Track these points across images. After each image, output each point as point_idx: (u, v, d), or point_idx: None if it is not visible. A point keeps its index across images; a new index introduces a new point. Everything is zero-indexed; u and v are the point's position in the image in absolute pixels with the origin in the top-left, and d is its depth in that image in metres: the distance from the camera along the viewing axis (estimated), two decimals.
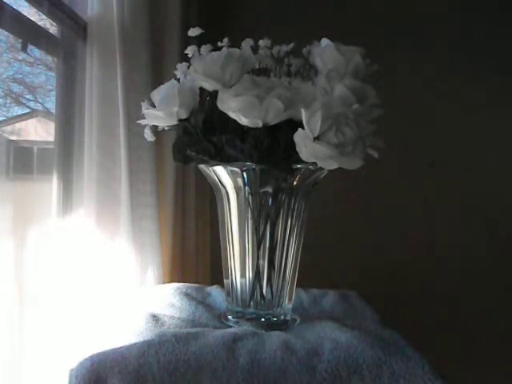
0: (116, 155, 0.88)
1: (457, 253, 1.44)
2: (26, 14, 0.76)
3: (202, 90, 0.63)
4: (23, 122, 0.87)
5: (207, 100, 0.65)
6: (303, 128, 0.56)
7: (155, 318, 0.67)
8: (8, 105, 0.81)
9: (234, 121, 0.59)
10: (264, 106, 0.56)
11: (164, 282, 0.97)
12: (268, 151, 0.60)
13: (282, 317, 0.69)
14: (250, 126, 0.58)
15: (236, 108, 0.57)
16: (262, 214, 0.66)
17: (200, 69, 0.60)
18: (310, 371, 0.53)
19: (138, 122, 0.66)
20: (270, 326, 0.66)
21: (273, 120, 0.58)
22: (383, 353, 0.56)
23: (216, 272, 0.79)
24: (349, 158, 0.56)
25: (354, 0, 1.45)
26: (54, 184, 0.85)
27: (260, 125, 0.58)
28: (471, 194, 1.44)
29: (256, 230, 0.67)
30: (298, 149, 0.57)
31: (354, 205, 1.43)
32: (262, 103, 0.56)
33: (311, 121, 0.55)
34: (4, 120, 0.80)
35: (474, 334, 1.44)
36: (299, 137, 0.56)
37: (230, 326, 0.67)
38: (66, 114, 0.89)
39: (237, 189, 0.67)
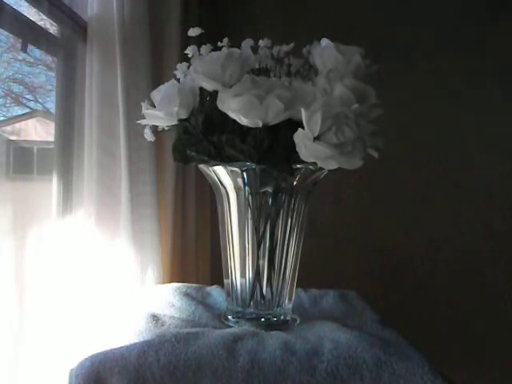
0: (116, 155, 0.88)
1: (457, 253, 1.44)
2: (26, 14, 0.76)
3: (201, 89, 0.63)
4: (23, 122, 0.87)
5: (207, 100, 0.65)
6: (303, 128, 0.56)
7: (155, 317, 0.67)
8: (8, 105, 0.81)
9: (234, 121, 0.59)
10: (264, 106, 0.56)
11: (164, 282, 0.97)
12: (268, 151, 0.60)
13: (281, 317, 0.69)
14: (250, 126, 0.58)
15: (236, 108, 0.57)
16: (262, 214, 0.66)
17: (200, 69, 0.60)
18: (310, 371, 0.54)
19: (138, 122, 0.66)
20: (270, 326, 0.66)
21: (273, 120, 0.58)
22: (383, 353, 0.56)
23: (216, 272, 0.79)
24: (349, 158, 0.56)
25: (354, 0, 1.45)
26: (54, 184, 0.85)
27: (260, 125, 0.58)
28: (471, 194, 1.44)
29: (256, 229, 0.67)
30: (297, 149, 0.57)
31: (354, 204, 1.43)
32: (262, 103, 0.56)
33: (311, 121, 0.55)
34: (4, 120, 0.80)
35: (474, 333, 1.44)
36: (299, 137, 0.56)
37: (230, 326, 0.67)
38: (66, 114, 0.89)
39: (237, 189, 0.67)
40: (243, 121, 0.58)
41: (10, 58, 0.79)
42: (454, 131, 1.44)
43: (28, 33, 0.77)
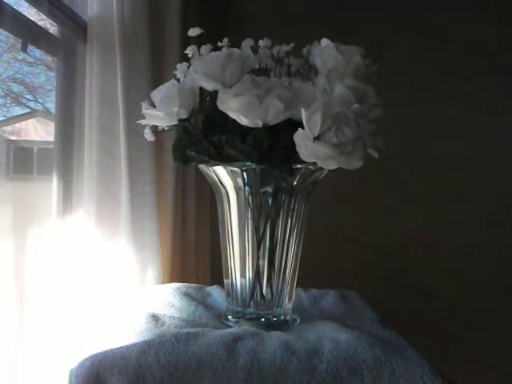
0: (116, 155, 0.88)
1: (457, 253, 1.44)
2: (26, 14, 0.76)
3: (201, 89, 0.63)
4: (23, 122, 0.87)
5: (207, 100, 0.65)
6: (303, 128, 0.56)
7: (155, 317, 0.67)
8: (8, 105, 0.81)
9: (234, 121, 0.59)
10: (264, 106, 0.56)
11: (164, 282, 0.97)
12: (268, 151, 0.60)
13: (281, 317, 0.69)
14: (250, 126, 0.58)
15: (236, 108, 0.57)
16: (262, 214, 0.66)
17: (200, 69, 0.60)
18: (310, 371, 0.53)
19: (138, 122, 0.67)
20: (270, 326, 0.66)
21: (273, 120, 0.58)
22: (383, 353, 0.56)
23: (216, 272, 0.79)
24: (348, 158, 0.56)
25: (353, 0, 1.45)
26: (54, 184, 0.85)
27: (260, 125, 0.58)
28: (471, 194, 1.44)
29: (256, 230, 0.67)
30: (297, 149, 0.57)
31: (353, 205, 1.43)
32: (261, 103, 0.56)
33: (311, 121, 0.55)
34: (4, 120, 0.80)
35: (474, 334, 1.44)
36: (299, 137, 0.56)
37: (230, 326, 0.67)
38: (66, 114, 0.89)
39: (237, 189, 0.67)
40: (243, 121, 0.58)
41: (10, 58, 0.79)
42: (454, 131, 1.44)
43: (28, 33, 0.77)
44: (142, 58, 0.94)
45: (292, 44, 0.69)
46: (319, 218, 1.30)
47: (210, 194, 0.85)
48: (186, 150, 0.64)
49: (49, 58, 0.90)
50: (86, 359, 0.54)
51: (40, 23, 0.82)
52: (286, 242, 0.68)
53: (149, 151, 0.95)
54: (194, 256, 1.21)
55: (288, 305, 0.70)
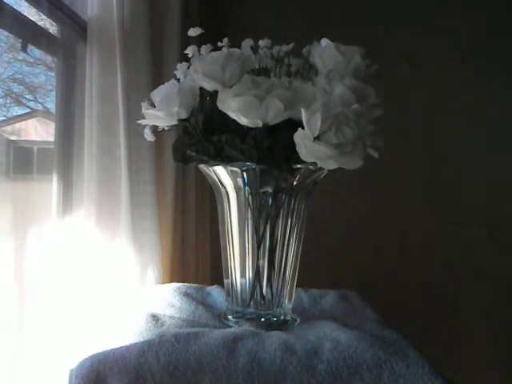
0: (116, 155, 0.88)
1: (457, 253, 1.44)
2: (26, 14, 0.76)
3: (202, 89, 0.63)
4: (23, 122, 0.87)
5: (207, 100, 0.65)
6: (303, 128, 0.56)
7: (155, 317, 0.67)
8: (8, 105, 0.81)
9: (234, 121, 0.59)
10: (264, 106, 0.56)
11: (164, 282, 0.97)
12: (268, 151, 0.60)
13: (281, 317, 0.69)
14: (250, 126, 0.58)
15: (236, 108, 0.57)
16: (262, 214, 0.66)
17: (200, 69, 0.60)
18: (310, 371, 0.53)
19: (138, 122, 0.67)
20: (270, 326, 0.66)
21: (273, 120, 0.58)
22: (383, 353, 0.56)
23: (216, 272, 0.79)
24: (348, 158, 0.56)
25: (354, 0, 1.45)
26: (54, 184, 0.85)
27: (260, 125, 0.58)
28: (471, 194, 1.44)
29: (256, 230, 0.67)
30: (297, 149, 0.57)
31: (353, 205, 1.43)
32: (261, 103, 0.56)
33: (311, 121, 0.55)
34: (4, 120, 0.80)
35: (474, 333, 1.44)
36: (299, 137, 0.56)
37: (230, 326, 0.67)
38: (66, 114, 0.89)
39: (237, 189, 0.67)
40: (243, 121, 0.58)
41: (10, 58, 0.79)
42: (454, 131, 1.44)
43: (28, 33, 0.77)
44: (142, 58, 0.94)
45: (292, 44, 0.69)
46: (319, 217, 1.31)
47: (210, 194, 0.85)
48: (185, 150, 0.64)
49: (49, 58, 0.90)
50: (86, 359, 0.54)
51: (40, 23, 0.82)
52: (285, 242, 0.68)
53: (149, 151, 0.95)
54: (194, 256, 1.21)
55: (288, 305, 0.70)
